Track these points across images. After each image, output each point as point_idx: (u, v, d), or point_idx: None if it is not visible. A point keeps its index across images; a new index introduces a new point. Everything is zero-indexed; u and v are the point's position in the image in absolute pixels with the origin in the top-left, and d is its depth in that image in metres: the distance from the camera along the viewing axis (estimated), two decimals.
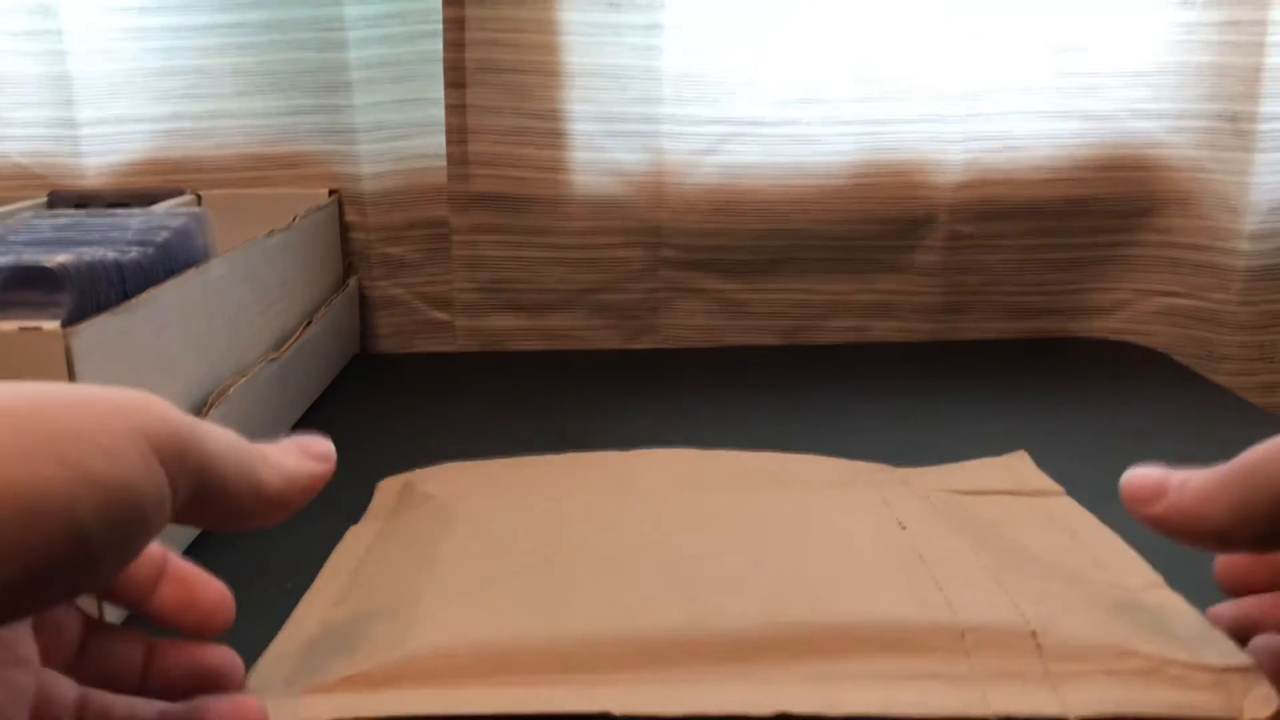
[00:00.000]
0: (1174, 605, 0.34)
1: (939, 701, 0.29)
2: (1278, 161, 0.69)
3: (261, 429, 0.51)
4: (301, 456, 0.29)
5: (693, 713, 0.29)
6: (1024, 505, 0.43)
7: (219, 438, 0.26)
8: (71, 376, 0.37)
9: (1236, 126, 0.69)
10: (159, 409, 0.24)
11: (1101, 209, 0.74)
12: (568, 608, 0.33)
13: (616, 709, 0.29)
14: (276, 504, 0.27)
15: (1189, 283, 0.74)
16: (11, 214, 0.58)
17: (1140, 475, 0.29)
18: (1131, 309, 0.76)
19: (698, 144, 0.72)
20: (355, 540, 0.42)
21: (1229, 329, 0.72)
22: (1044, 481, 0.46)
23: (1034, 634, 0.31)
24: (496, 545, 0.38)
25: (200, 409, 0.47)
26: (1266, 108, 0.68)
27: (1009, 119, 0.72)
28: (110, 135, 0.73)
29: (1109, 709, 0.29)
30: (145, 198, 0.65)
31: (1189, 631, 0.31)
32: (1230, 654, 0.30)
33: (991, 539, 0.39)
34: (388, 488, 0.48)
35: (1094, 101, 0.71)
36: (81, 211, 0.58)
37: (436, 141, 0.73)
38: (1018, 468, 0.48)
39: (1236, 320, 0.71)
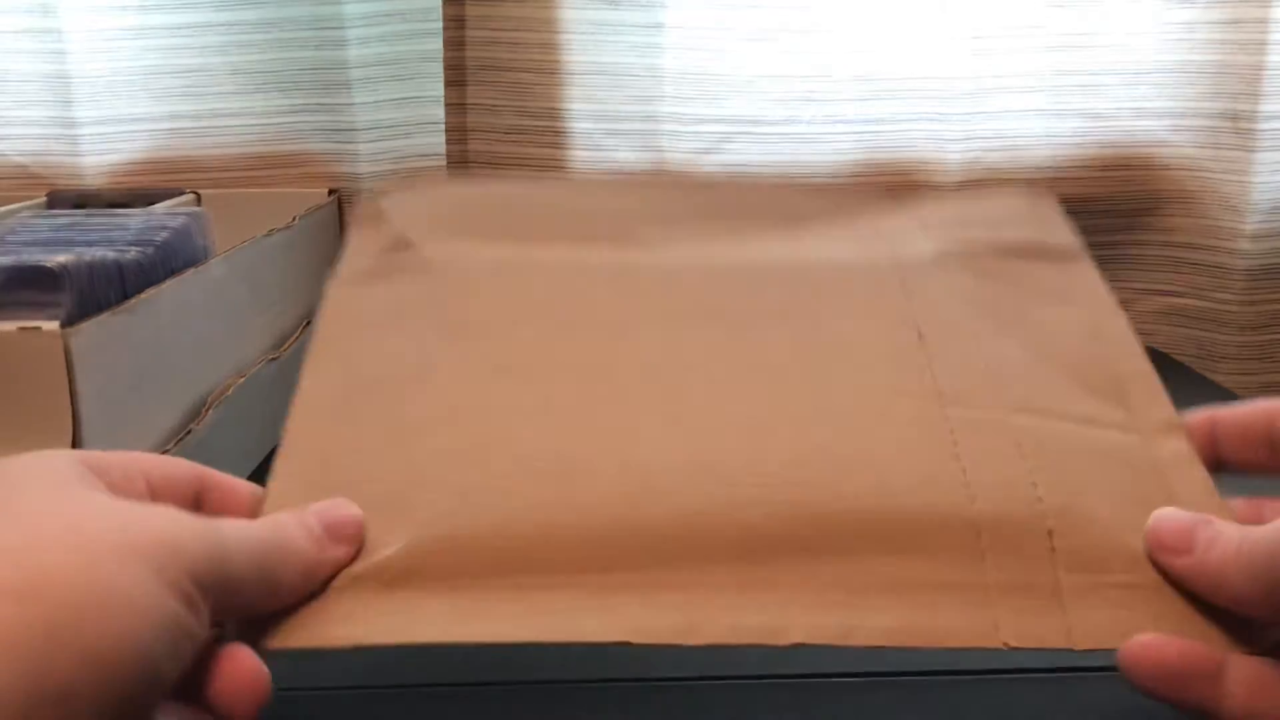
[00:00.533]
0: (1185, 466, 0.32)
1: (950, 627, 0.28)
2: (1279, 161, 0.69)
3: (261, 429, 0.51)
4: (326, 543, 0.28)
5: (716, 642, 0.28)
6: (1047, 280, 0.41)
7: (242, 545, 0.25)
8: (71, 376, 0.37)
9: (1237, 126, 0.69)
10: (175, 542, 0.23)
11: (1102, 208, 0.74)
12: (575, 479, 0.31)
13: (638, 636, 0.28)
14: (294, 599, 0.27)
15: (1189, 282, 0.74)
16: (11, 214, 0.58)
17: (1169, 521, 0.29)
18: (1132, 308, 0.76)
19: (698, 143, 0.72)
20: (339, 320, 0.38)
21: (1230, 329, 0.72)
22: (1065, 235, 0.43)
23: (1050, 533, 0.30)
24: (494, 362, 0.36)
25: (200, 409, 0.47)
26: (1267, 107, 0.68)
27: (1009, 118, 0.72)
28: (109, 135, 0.73)
29: (1114, 641, 0.28)
30: (144, 197, 0.65)
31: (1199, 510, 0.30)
32: None
33: (1011, 355, 0.36)
34: (369, 222, 0.43)
35: (1095, 100, 0.71)
36: (81, 212, 0.58)
37: (436, 140, 0.73)
38: (1042, 212, 0.44)
39: (1237, 320, 0.71)
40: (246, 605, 0.26)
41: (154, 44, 0.71)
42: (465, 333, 0.37)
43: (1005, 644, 0.28)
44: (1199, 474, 0.32)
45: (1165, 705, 0.27)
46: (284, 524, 0.28)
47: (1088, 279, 0.41)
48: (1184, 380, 0.66)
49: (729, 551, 0.30)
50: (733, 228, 0.43)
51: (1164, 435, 0.34)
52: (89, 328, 0.38)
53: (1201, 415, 0.33)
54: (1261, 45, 0.67)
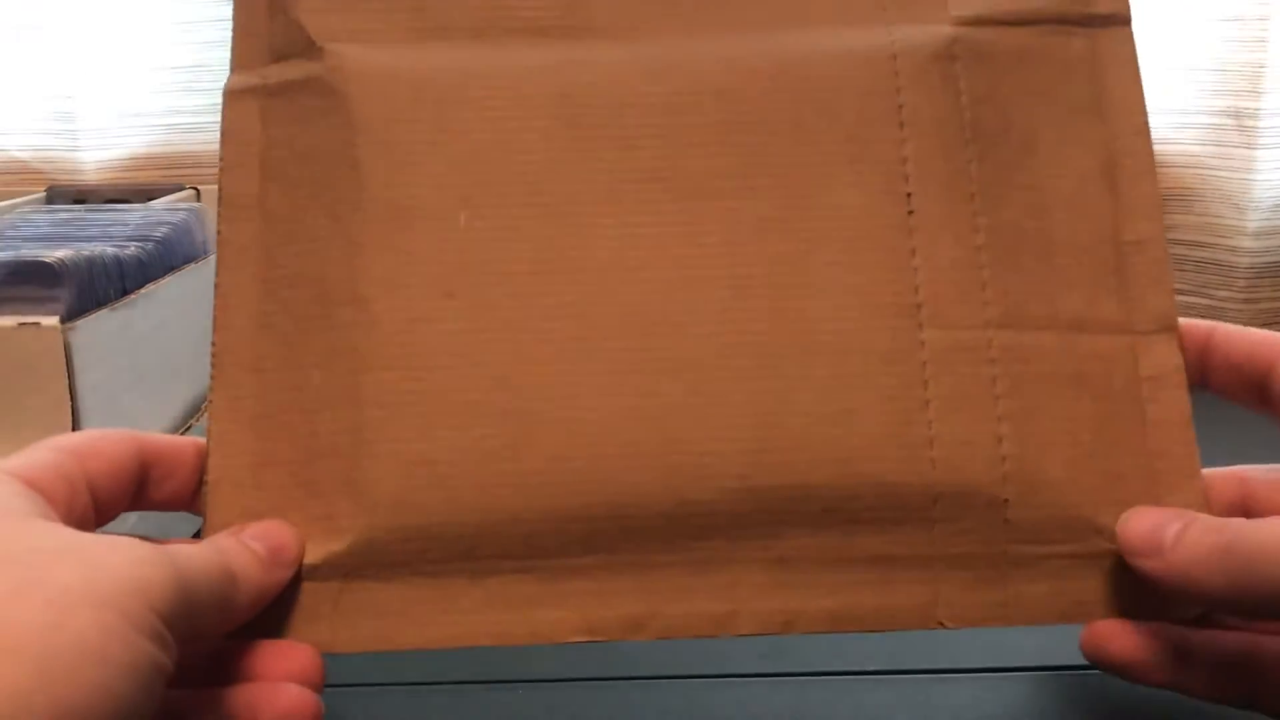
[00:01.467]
0: (1167, 394, 0.31)
1: (892, 608, 0.30)
2: None
3: None
4: (269, 566, 0.28)
5: (668, 637, 0.29)
6: (1073, 71, 0.34)
7: (198, 573, 0.25)
8: (70, 372, 0.37)
9: (1240, 123, 0.69)
10: (141, 582, 0.22)
11: None
12: (522, 455, 0.30)
13: (592, 635, 0.29)
14: (242, 623, 0.27)
15: (1191, 280, 0.73)
16: (10, 209, 0.58)
17: (1136, 523, 0.29)
18: None
19: None
20: (241, 163, 0.32)
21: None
22: None
23: (1005, 503, 0.30)
24: (432, 276, 0.31)
25: (199, 404, 0.47)
26: (1270, 104, 0.68)
27: None
28: (109, 130, 0.73)
29: (1050, 617, 0.29)
30: (144, 193, 0.65)
31: (1166, 463, 0.30)
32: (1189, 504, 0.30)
33: (1007, 223, 0.32)
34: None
35: None
36: (80, 207, 0.58)
37: None
38: None
39: (1239, 318, 0.71)
40: (204, 632, 0.26)
41: (153, 39, 0.71)
42: (397, 224, 0.31)
43: (940, 624, 0.30)
44: (1178, 409, 0.31)
45: (1170, 706, 0.27)
46: (231, 549, 0.27)
47: (1120, 61, 0.34)
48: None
49: (680, 530, 0.30)
50: None
51: (1155, 338, 0.32)
52: (88, 323, 0.38)
53: (1200, 328, 0.31)
54: (1264, 43, 0.67)
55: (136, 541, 0.23)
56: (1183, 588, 0.27)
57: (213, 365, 0.31)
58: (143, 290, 0.43)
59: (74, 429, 0.39)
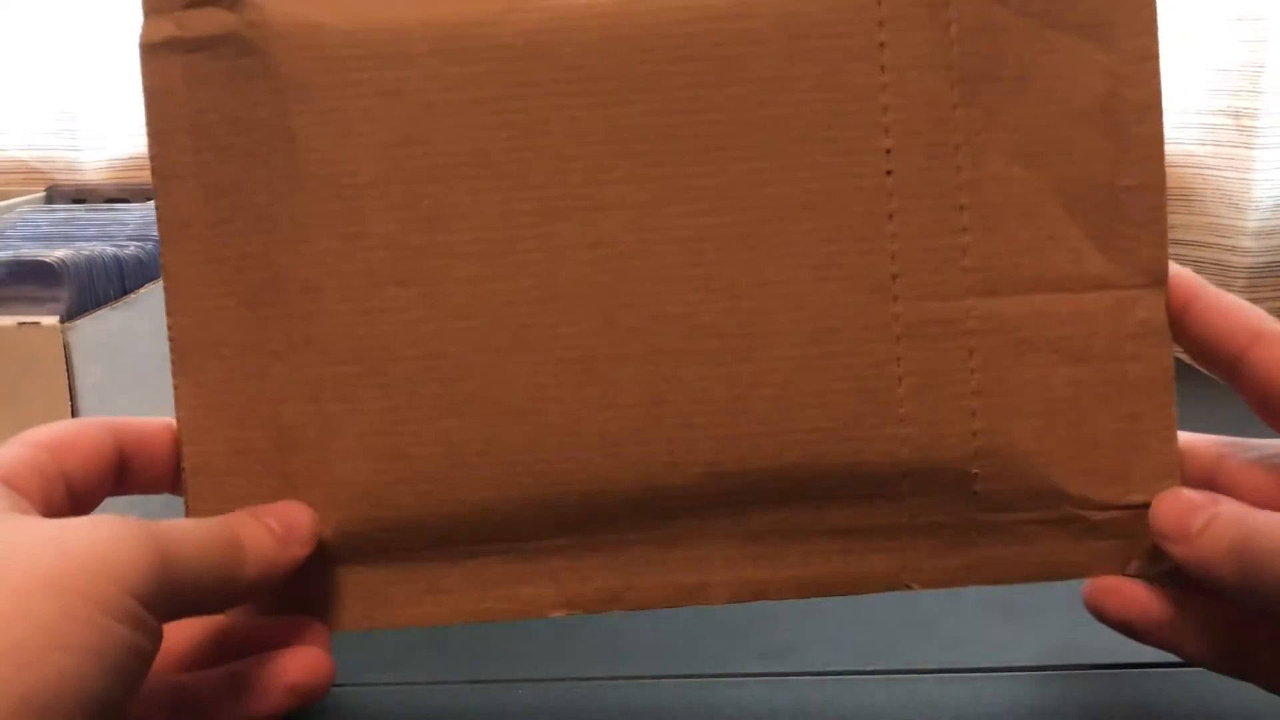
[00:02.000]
0: (1150, 351, 0.30)
1: (861, 574, 0.31)
2: None
3: None
4: (284, 542, 0.28)
5: (646, 607, 0.30)
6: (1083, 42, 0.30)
7: (191, 547, 0.25)
8: (70, 371, 0.37)
9: (1240, 123, 0.69)
10: (113, 564, 0.22)
11: None
12: (490, 445, 0.30)
13: (572, 608, 0.30)
14: (253, 597, 0.28)
15: None
16: (10, 209, 0.58)
17: (1168, 507, 0.29)
18: None
19: None
20: (168, 131, 0.30)
21: None
22: None
23: (974, 476, 0.30)
24: (381, 258, 0.29)
25: (170, 358, 0.47)
26: (1270, 104, 0.67)
27: None
28: (109, 130, 0.73)
29: (1017, 578, 0.30)
30: (143, 193, 0.65)
31: (1141, 426, 0.30)
32: (1158, 477, 0.30)
33: (992, 175, 0.30)
34: None
35: None
36: (80, 206, 0.58)
37: None
38: None
39: None
40: (202, 605, 0.26)
41: None
42: (340, 204, 0.29)
43: (908, 587, 0.31)
44: (1160, 367, 0.31)
45: (1170, 706, 0.27)
46: (242, 522, 0.28)
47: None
48: (1185, 377, 0.66)
49: (650, 512, 0.30)
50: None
51: (1143, 293, 0.30)
52: (88, 323, 0.38)
53: (1183, 287, 0.30)
54: (1264, 42, 0.67)
55: (116, 520, 0.23)
56: (1201, 576, 0.27)
57: (171, 350, 0.31)
58: (142, 290, 0.43)
59: None
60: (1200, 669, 0.30)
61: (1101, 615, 0.30)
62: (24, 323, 0.37)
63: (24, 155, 0.73)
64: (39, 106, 0.72)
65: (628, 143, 0.29)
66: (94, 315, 0.39)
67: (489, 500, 0.30)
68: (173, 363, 0.31)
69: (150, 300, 0.43)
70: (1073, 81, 0.30)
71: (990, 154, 0.30)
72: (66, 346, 0.37)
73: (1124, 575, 0.30)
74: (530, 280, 0.29)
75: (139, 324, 0.42)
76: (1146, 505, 0.30)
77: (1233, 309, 0.30)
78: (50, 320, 0.37)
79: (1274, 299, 0.71)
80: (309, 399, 0.30)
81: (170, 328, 0.30)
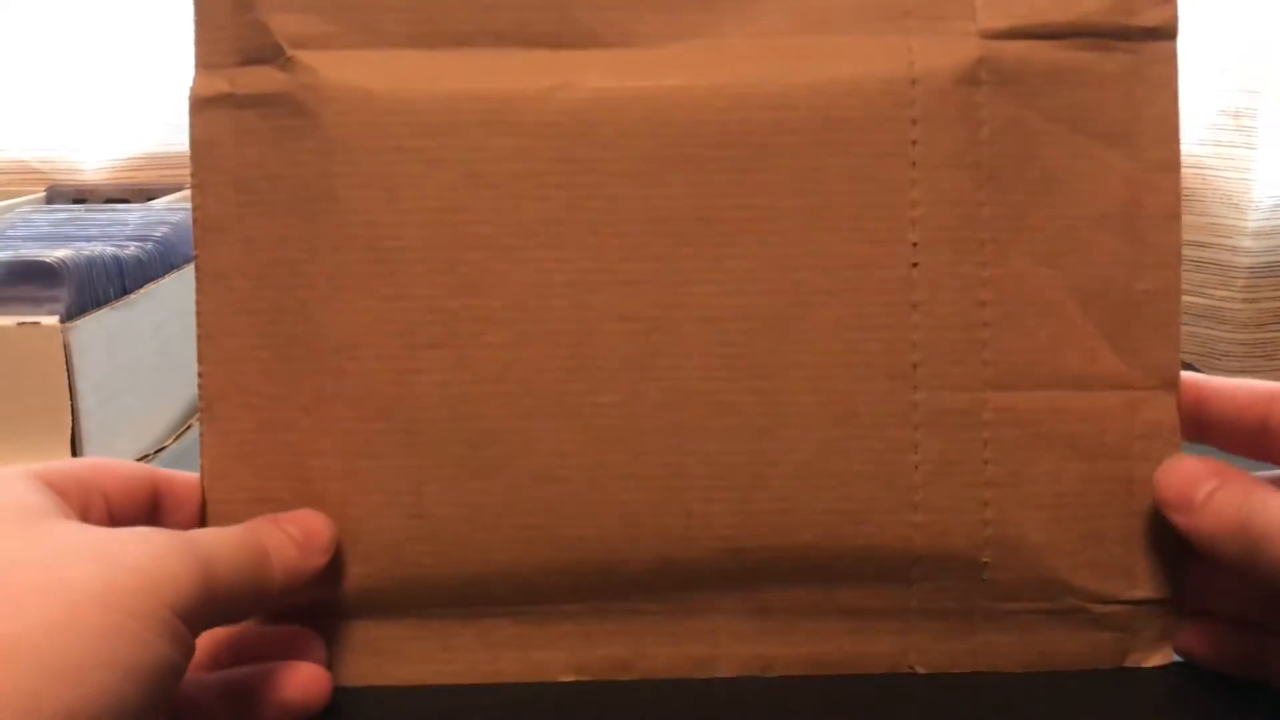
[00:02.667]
0: (1157, 451, 0.30)
1: (866, 654, 0.31)
2: None
3: None
4: (306, 551, 0.28)
5: (652, 677, 0.31)
6: (1107, 92, 0.32)
7: (226, 557, 0.25)
8: (70, 371, 0.37)
9: (1239, 123, 0.69)
10: (157, 578, 0.23)
11: None
12: (509, 514, 0.30)
13: (580, 674, 0.31)
14: (278, 604, 0.28)
15: (1191, 280, 0.73)
16: (10, 209, 0.58)
17: (1172, 475, 0.29)
18: None
19: None
20: (214, 184, 0.30)
21: (1231, 326, 0.72)
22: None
23: (984, 565, 0.30)
24: (415, 321, 0.30)
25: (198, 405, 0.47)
26: (1270, 103, 0.68)
27: None
28: (109, 130, 0.73)
29: (1015, 666, 0.31)
30: (144, 193, 0.65)
31: (1146, 523, 0.30)
32: (1162, 574, 0.30)
33: (1014, 274, 0.30)
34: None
35: None
36: (80, 207, 0.58)
37: None
38: None
39: (1238, 318, 0.71)
40: (235, 614, 0.26)
41: (153, 38, 0.71)
42: (380, 267, 0.30)
43: (911, 668, 0.31)
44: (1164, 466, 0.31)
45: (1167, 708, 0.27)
46: (266, 530, 0.28)
47: (1159, 82, 0.33)
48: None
49: (665, 583, 0.31)
50: None
51: (1153, 394, 0.31)
52: (88, 323, 0.38)
53: (1189, 384, 0.31)
54: (1264, 42, 0.67)
55: (161, 534, 0.24)
56: (1203, 547, 0.28)
57: (200, 396, 0.31)
58: (142, 290, 0.43)
59: (74, 428, 0.39)
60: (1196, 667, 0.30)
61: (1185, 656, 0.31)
62: (24, 323, 0.37)
63: (24, 155, 0.73)
64: (39, 106, 0.72)
65: (663, 221, 0.30)
66: (94, 315, 0.39)
67: (507, 563, 0.30)
68: (200, 409, 0.31)
69: (150, 301, 0.43)
70: (1097, 186, 0.31)
71: (1014, 252, 0.30)
72: (66, 347, 0.37)
73: (1122, 667, 0.31)
74: (561, 349, 0.30)
75: (139, 324, 0.42)
76: (1148, 600, 0.30)
77: (1243, 384, 0.31)
78: (50, 320, 0.37)
79: (1274, 299, 0.71)
80: (335, 453, 0.30)
81: (201, 374, 0.31)
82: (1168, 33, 0.32)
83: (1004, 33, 0.30)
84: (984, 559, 0.30)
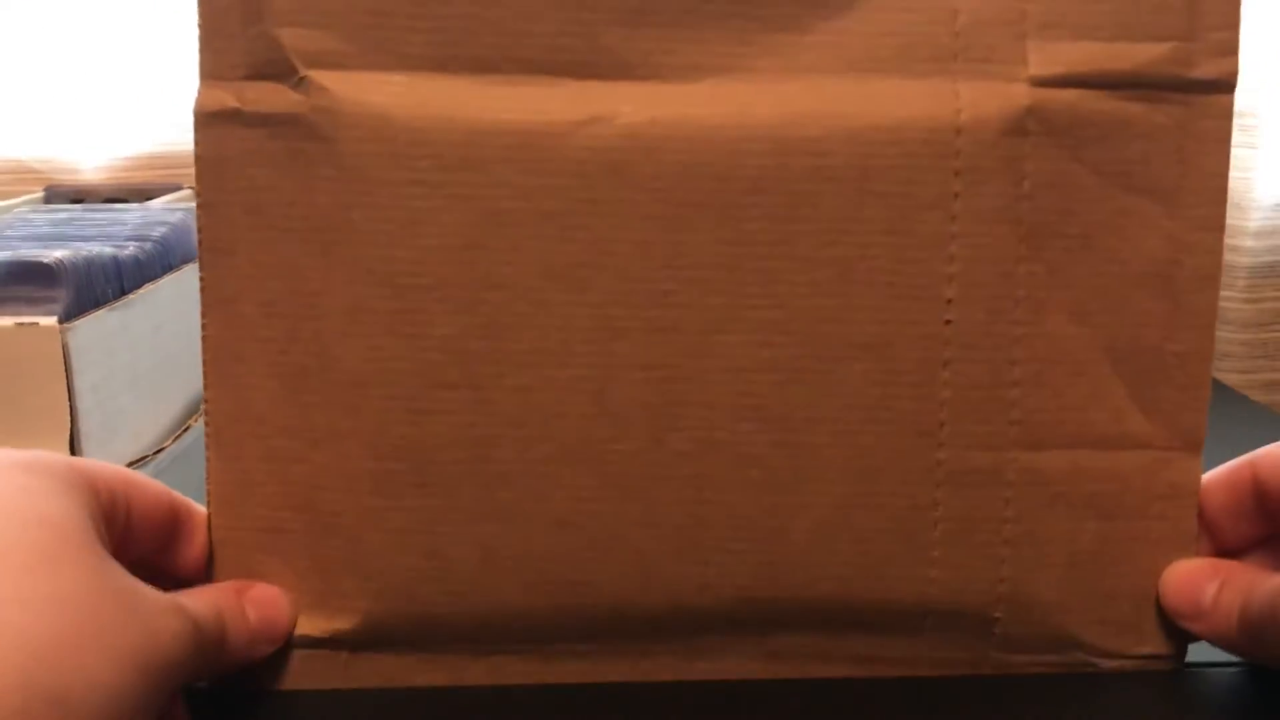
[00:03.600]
0: (1175, 513, 0.30)
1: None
2: None
3: None
4: (255, 641, 0.29)
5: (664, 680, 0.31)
6: (1157, 148, 0.30)
7: (210, 632, 0.26)
8: (68, 372, 0.36)
9: (1241, 122, 0.69)
10: (178, 656, 0.24)
11: None
12: (516, 555, 0.30)
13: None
14: (215, 679, 0.29)
15: None
16: (8, 209, 0.58)
17: (1176, 584, 0.30)
18: None
19: None
20: (220, 204, 0.29)
21: (1231, 326, 0.72)
22: (1221, 39, 0.31)
23: (996, 620, 0.31)
24: (432, 360, 0.29)
25: (197, 405, 0.47)
26: (1271, 103, 0.68)
27: None
28: (108, 131, 0.73)
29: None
30: (142, 193, 0.65)
31: (1154, 588, 0.31)
32: (1171, 630, 0.31)
33: (1046, 334, 0.30)
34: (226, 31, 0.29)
35: None
36: (78, 207, 0.58)
37: None
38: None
39: (1239, 318, 0.71)
40: (200, 678, 0.27)
41: (152, 39, 0.71)
42: (397, 303, 0.29)
43: None
44: (1183, 529, 0.31)
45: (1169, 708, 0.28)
46: (228, 612, 0.28)
47: (1211, 139, 0.30)
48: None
49: (677, 627, 0.31)
50: (739, 27, 0.29)
51: (1177, 455, 0.30)
52: (86, 323, 0.38)
53: (1242, 472, 0.30)
54: (1264, 42, 0.67)
55: (182, 610, 0.25)
56: (1226, 649, 0.29)
57: (206, 424, 0.30)
58: (141, 290, 0.43)
59: (72, 429, 0.39)
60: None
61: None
62: (22, 323, 0.37)
63: (22, 155, 0.73)
64: (37, 106, 0.72)
65: (691, 268, 0.29)
66: (92, 316, 0.39)
67: (518, 605, 0.30)
68: (207, 436, 0.30)
69: (148, 301, 0.43)
70: (1136, 244, 0.29)
71: (1048, 310, 0.29)
72: (65, 347, 0.36)
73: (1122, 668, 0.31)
74: (582, 395, 0.29)
75: (137, 324, 0.42)
76: (1156, 656, 0.31)
77: (1231, 465, 0.31)
78: (49, 321, 0.37)
79: (1273, 299, 0.71)
80: (346, 490, 0.30)
81: (207, 400, 0.30)
82: (1227, 86, 0.30)
83: (1056, 80, 0.29)
84: (996, 614, 0.31)
